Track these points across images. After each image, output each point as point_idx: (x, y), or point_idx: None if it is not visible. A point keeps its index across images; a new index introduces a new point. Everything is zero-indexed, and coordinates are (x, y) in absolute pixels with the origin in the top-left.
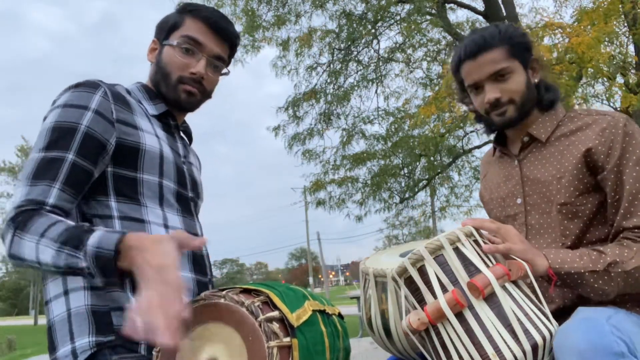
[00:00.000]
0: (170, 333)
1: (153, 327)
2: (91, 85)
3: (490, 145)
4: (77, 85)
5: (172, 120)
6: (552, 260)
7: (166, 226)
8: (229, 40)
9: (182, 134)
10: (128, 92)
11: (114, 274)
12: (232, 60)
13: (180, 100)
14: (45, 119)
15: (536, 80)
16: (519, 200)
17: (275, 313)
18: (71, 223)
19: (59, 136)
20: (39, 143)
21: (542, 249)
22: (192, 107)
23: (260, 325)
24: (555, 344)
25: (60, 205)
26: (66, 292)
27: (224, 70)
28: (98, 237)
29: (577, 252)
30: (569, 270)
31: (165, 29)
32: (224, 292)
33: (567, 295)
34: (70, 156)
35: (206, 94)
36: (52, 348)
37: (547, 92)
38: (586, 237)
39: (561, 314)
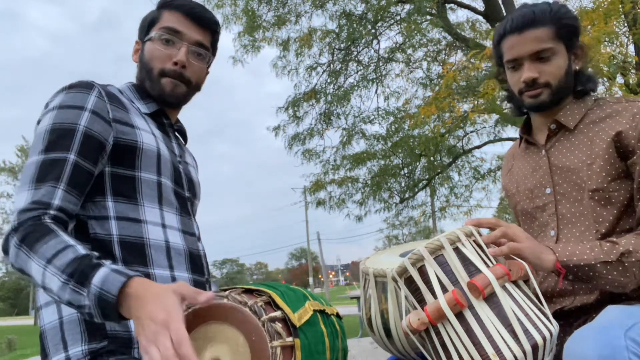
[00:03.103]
0: None
1: None
2: (85, 86)
3: (491, 146)
4: (70, 87)
5: (166, 119)
6: (559, 254)
7: (164, 225)
8: (208, 26)
9: (176, 133)
10: (120, 92)
11: (114, 318)
12: (219, 52)
13: (165, 93)
14: (39, 122)
15: (577, 67)
16: (548, 190)
17: (278, 313)
18: (79, 250)
19: (58, 137)
20: (37, 146)
21: (576, 239)
22: (179, 99)
23: (263, 325)
24: (566, 349)
25: (65, 207)
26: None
27: (209, 59)
28: (103, 276)
29: (588, 245)
30: (578, 262)
31: (145, 27)
32: (226, 293)
33: (592, 289)
34: (72, 157)
35: (192, 85)
36: (43, 355)
37: (587, 82)
38: (620, 224)
39: (589, 309)
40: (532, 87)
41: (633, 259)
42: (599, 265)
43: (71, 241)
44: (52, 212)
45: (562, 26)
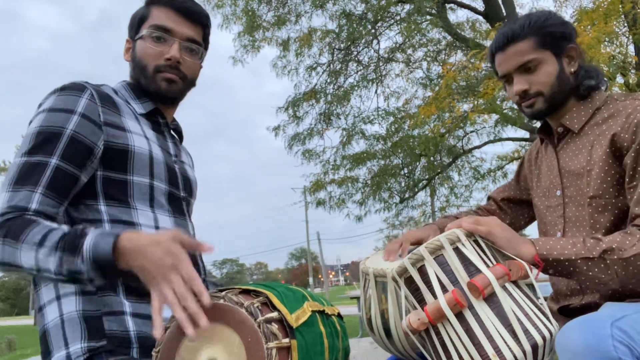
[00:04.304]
0: (194, 322)
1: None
2: (77, 88)
3: (491, 146)
4: (62, 89)
5: (162, 118)
6: (539, 247)
7: (157, 227)
8: (198, 21)
9: (172, 132)
10: (115, 92)
11: (114, 276)
12: (219, 53)
13: (161, 90)
14: (30, 122)
15: (573, 69)
16: (558, 192)
17: (275, 314)
18: (65, 228)
19: (43, 141)
20: (23, 147)
21: None
22: (175, 95)
23: (259, 326)
24: (556, 341)
25: (42, 211)
26: (58, 297)
27: (202, 53)
28: (92, 241)
29: (571, 240)
30: (558, 257)
31: (135, 25)
32: (223, 293)
33: (600, 288)
34: (54, 161)
35: (187, 81)
36: (46, 353)
37: (587, 79)
38: (619, 230)
39: (594, 307)
40: (525, 98)
41: (615, 257)
42: (579, 261)
43: (54, 224)
44: (30, 214)
45: (544, 35)
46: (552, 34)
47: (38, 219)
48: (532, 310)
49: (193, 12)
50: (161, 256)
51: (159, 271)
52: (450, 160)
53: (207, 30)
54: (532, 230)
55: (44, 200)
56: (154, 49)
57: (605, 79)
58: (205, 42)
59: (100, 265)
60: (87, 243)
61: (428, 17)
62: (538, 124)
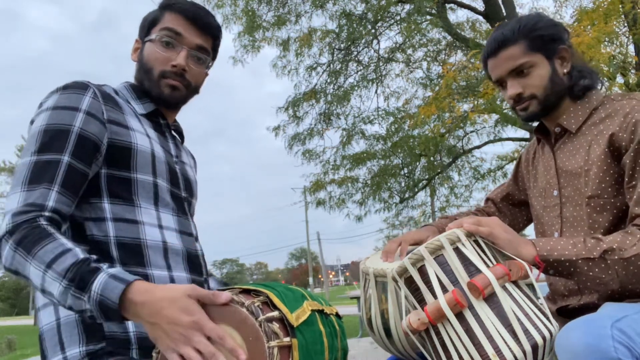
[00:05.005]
0: None
1: None
2: (80, 87)
3: (491, 146)
4: (65, 87)
5: (162, 119)
6: (540, 248)
7: (160, 226)
8: (209, 31)
9: (173, 132)
10: (116, 92)
11: (116, 319)
12: (219, 53)
13: (163, 96)
14: (32, 122)
15: (566, 70)
16: (555, 192)
17: (275, 313)
18: (78, 254)
19: (51, 138)
20: (30, 147)
21: None
22: (177, 102)
23: (260, 326)
24: (556, 342)
25: (59, 209)
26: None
27: (209, 63)
28: (103, 282)
29: (571, 240)
30: (559, 257)
31: (146, 27)
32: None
33: (598, 289)
34: (66, 158)
35: (191, 88)
36: (43, 357)
37: (582, 79)
38: (615, 231)
39: (592, 308)
40: (520, 101)
41: (616, 257)
42: (580, 261)
43: (69, 244)
44: (46, 213)
45: (534, 38)
46: (542, 36)
47: (54, 231)
48: (532, 310)
49: (205, 21)
50: (177, 315)
51: (177, 331)
52: (450, 160)
53: (217, 41)
54: (531, 231)
55: (60, 199)
56: (162, 54)
57: (605, 78)
58: (214, 52)
59: (105, 309)
60: (97, 283)
61: (428, 17)
62: (536, 124)
